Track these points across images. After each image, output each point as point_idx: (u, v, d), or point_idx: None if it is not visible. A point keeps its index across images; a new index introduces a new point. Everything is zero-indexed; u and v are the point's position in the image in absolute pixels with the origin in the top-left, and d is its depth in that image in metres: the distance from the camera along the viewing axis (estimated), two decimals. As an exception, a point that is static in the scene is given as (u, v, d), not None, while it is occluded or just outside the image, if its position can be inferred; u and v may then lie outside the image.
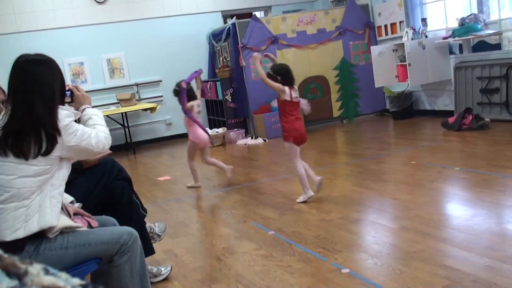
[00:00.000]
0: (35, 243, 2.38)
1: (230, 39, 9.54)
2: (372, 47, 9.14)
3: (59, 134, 2.38)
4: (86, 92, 2.87)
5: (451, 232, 3.65)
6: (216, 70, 10.18)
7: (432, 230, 3.71)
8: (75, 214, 2.62)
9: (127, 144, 10.00)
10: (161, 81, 10.53)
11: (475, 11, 7.95)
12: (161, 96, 10.55)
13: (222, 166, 6.20)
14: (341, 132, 9.16)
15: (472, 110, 7.44)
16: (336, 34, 9.80)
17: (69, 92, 2.69)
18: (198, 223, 4.75)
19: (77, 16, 9.94)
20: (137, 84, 10.39)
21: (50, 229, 2.38)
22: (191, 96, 5.96)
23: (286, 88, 4.77)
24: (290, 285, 3.16)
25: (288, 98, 4.79)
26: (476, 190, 4.58)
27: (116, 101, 9.85)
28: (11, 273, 0.76)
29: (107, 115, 8.21)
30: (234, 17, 9.71)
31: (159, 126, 10.72)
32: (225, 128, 9.50)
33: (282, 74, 4.80)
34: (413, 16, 9.16)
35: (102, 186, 3.23)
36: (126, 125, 9.90)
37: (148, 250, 3.32)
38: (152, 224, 3.80)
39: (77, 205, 2.73)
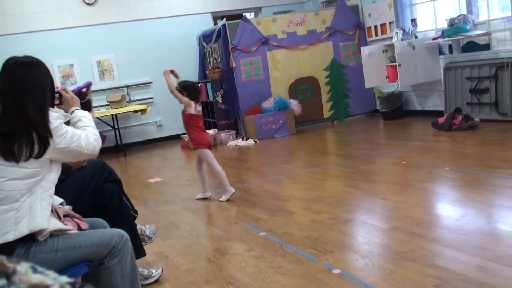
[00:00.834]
0: (25, 246, 2.37)
1: (220, 41, 9.54)
2: (362, 48, 9.17)
3: (51, 136, 2.37)
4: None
5: (442, 232, 3.66)
6: (207, 72, 10.17)
7: (423, 230, 3.72)
8: (65, 216, 2.60)
9: (118, 146, 9.96)
10: (151, 82, 10.51)
11: (464, 11, 8.00)
12: (152, 98, 10.53)
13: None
14: (332, 133, 9.18)
15: (461, 110, 7.48)
16: (326, 35, 9.82)
17: (58, 94, 2.68)
18: (189, 224, 4.74)
19: (66, 18, 9.89)
20: (127, 86, 10.36)
21: (40, 232, 2.37)
22: (87, 107, 5.91)
23: (192, 103, 5.24)
24: (281, 286, 3.16)
25: (193, 111, 5.27)
26: (466, 190, 4.60)
27: (106, 103, 9.81)
28: (-1, 272, 0.76)
29: (97, 117, 8.18)
30: (224, 19, 9.70)
31: (149, 127, 10.69)
32: (216, 130, 9.49)
33: (189, 90, 5.25)
34: (402, 16, 9.20)
35: (92, 188, 3.22)
36: (116, 127, 9.86)
37: (139, 252, 3.31)
38: (143, 226, 3.80)
39: (67, 207, 2.72)
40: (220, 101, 9.80)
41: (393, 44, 8.63)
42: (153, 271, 3.53)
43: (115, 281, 2.56)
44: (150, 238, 3.77)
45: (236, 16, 10.69)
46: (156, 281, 3.50)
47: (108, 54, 10.24)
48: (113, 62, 10.28)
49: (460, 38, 7.75)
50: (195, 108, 5.27)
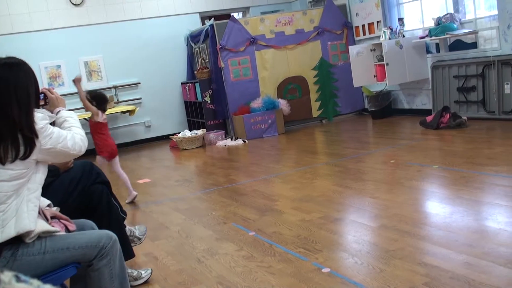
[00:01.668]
0: (12, 248, 2.35)
1: (209, 41, 9.53)
2: (350, 47, 9.19)
3: (37, 137, 2.35)
4: (64, 95, 2.85)
5: (430, 230, 3.68)
6: (195, 72, 10.15)
7: (411, 228, 3.73)
8: (52, 217, 2.58)
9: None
10: (139, 83, 10.48)
11: (451, 10, 8.05)
12: (140, 99, 10.50)
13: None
14: (321, 132, 9.19)
15: (449, 108, 7.52)
16: (314, 34, 9.84)
17: (42, 95, 2.66)
18: (178, 225, 4.72)
19: (53, 18, 9.84)
20: (115, 87, 10.32)
21: (27, 234, 2.35)
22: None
23: (100, 112, 5.62)
24: (271, 285, 3.16)
25: (100, 120, 5.64)
26: (454, 188, 4.62)
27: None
28: (-18, 282, 0.75)
29: (85, 118, 8.13)
30: (212, 19, 9.69)
31: (138, 128, 10.66)
32: (205, 130, 9.47)
33: (97, 100, 5.61)
34: (390, 16, 9.23)
35: (80, 189, 3.20)
36: (104, 128, 9.81)
37: (128, 253, 3.30)
38: (133, 227, 3.78)
39: (54, 208, 2.70)
40: (209, 101, 9.78)
41: (381, 43, 8.66)
42: (143, 272, 3.52)
43: (104, 282, 2.54)
44: (139, 239, 3.75)
45: (224, 16, 10.68)
46: (146, 282, 3.48)
47: (95, 55, 10.19)
48: (101, 63, 10.24)
49: (447, 36, 7.79)
50: (101, 117, 5.66)
